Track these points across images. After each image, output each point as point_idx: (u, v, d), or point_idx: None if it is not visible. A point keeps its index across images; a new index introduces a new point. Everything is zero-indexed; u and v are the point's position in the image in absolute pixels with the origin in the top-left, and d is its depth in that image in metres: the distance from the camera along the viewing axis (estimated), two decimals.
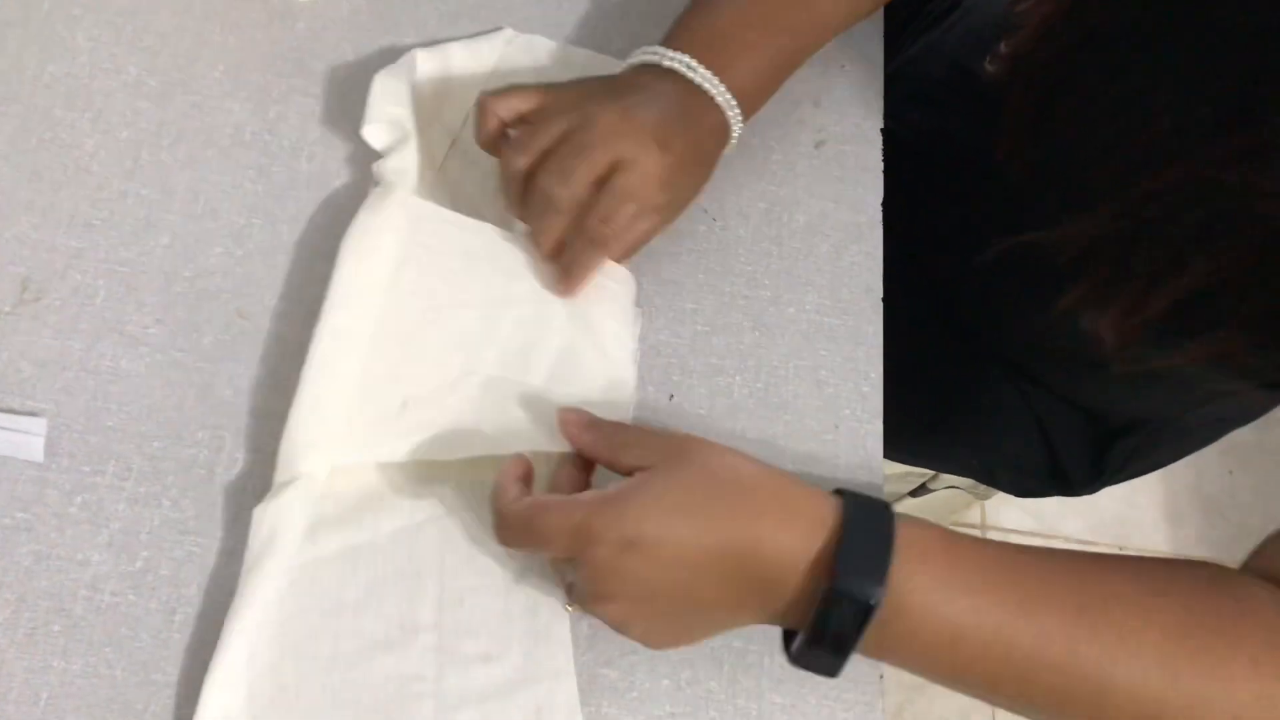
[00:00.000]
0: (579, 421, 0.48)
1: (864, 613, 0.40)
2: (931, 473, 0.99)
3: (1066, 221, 0.54)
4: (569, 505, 0.43)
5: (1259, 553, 0.48)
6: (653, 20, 0.62)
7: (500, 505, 0.45)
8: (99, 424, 0.50)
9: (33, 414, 0.49)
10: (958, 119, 0.67)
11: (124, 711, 0.45)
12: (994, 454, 0.77)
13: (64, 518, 0.48)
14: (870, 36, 0.67)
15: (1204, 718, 0.40)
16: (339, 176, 0.57)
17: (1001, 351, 0.70)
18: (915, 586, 0.41)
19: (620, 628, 0.45)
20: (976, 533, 1.46)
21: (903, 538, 0.42)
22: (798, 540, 0.42)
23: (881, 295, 0.59)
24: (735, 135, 0.55)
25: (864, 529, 0.42)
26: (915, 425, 0.63)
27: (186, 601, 0.48)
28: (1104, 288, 0.53)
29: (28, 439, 0.48)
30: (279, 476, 0.48)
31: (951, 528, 0.44)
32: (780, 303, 0.58)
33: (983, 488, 0.99)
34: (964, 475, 0.84)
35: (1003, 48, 0.58)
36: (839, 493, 0.44)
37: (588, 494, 0.44)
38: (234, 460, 0.50)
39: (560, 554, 0.44)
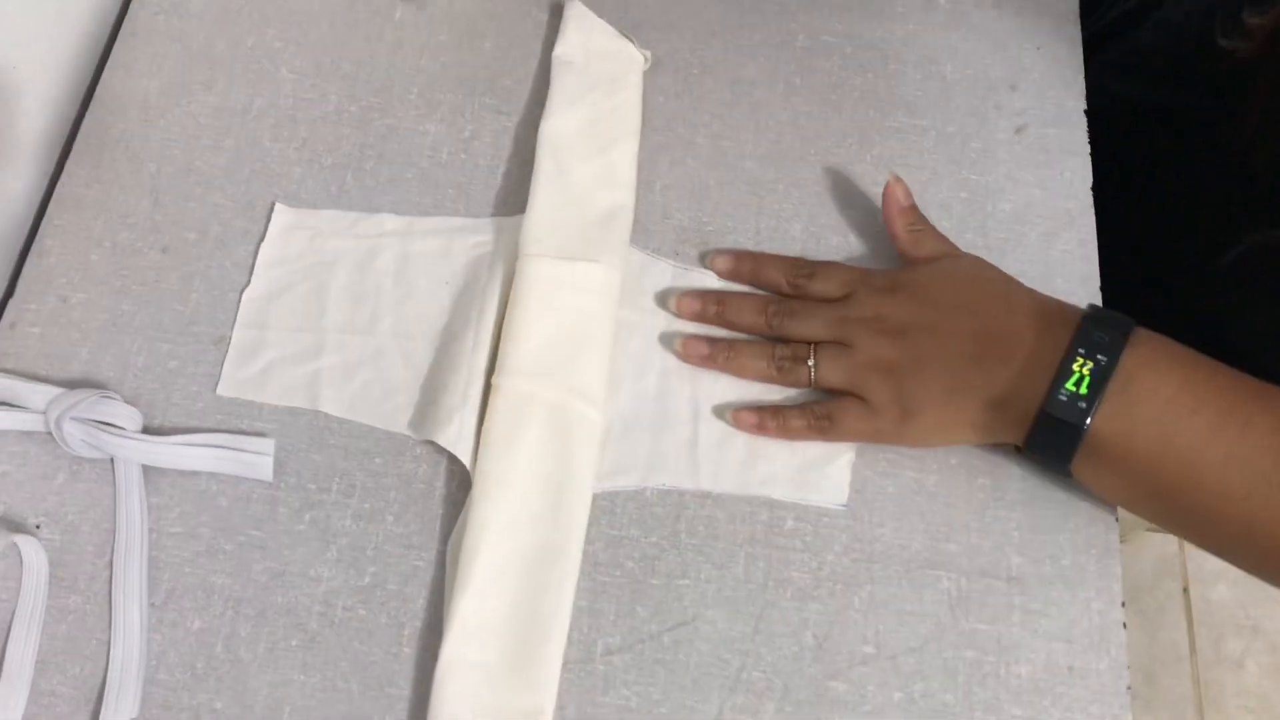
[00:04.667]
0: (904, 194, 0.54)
1: (1107, 364, 0.45)
2: None
3: None
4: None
5: None
6: None
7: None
8: (322, 443, 0.51)
9: (260, 434, 0.51)
10: (1184, 96, 0.63)
11: None
12: None
13: (294, 535, 0.49)
14: (1065, 14, 0.64)
15: None
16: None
17: (1238, 356, 0.65)
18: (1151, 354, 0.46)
19: (861, 379, 0.50)
20: (1173, 539, 1.38)
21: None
22: (1045, 327, 0.47)
23: (1099, 285, 0.56)
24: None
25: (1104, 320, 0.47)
26: None
27: (414, 615, 0.48)
28: None
29: (258, 459, 0.50)
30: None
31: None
32: None
33: None
34: None
35: (1251, 20, 0.53)
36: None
37: None
38: (453, 474, 0.50)
39: (835, 289, 0.52)
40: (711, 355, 0.52)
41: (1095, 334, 0.45)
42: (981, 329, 0.48)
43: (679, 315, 0.54)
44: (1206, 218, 0.62)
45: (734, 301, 0.53)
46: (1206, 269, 0.61)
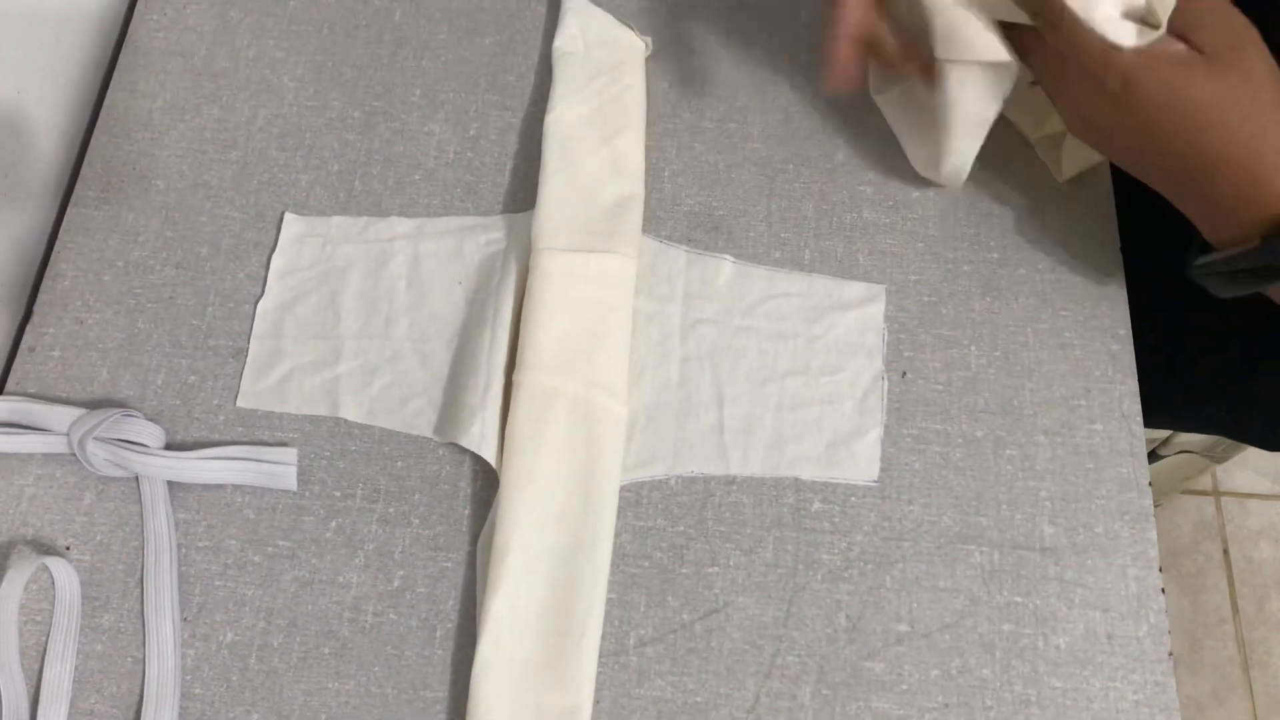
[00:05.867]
0: None
1: None
2: (1163, 436, 0.93)
3: None
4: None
5: None
6: None
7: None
8: (344, 449, 0.51)
9: (282, 444, 0.51)
10: None
11: None
12: (1251, 404, 0.70)
13: (321, 543, 0.49)
14: None
15: None
16: None
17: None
18: None
19: (1073, 124, 0.49)
20: (1209, 500, 1.36)
21: None
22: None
23: (1119, 244, 0.55)
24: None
25: None
26: (1167, 382, 0.58)
27: (445, 617, 0.48)
28: None
29: (281, 469, 0.50)
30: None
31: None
32: (1009, 264, 0.55)
33: (1221, 447, 0.92)
34: (1211, 432, 0.77)
35: None
36: None
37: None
38: (477, 474, 0.50)
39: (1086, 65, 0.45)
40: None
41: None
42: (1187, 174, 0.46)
43: None
44: None
45: None
46: None
